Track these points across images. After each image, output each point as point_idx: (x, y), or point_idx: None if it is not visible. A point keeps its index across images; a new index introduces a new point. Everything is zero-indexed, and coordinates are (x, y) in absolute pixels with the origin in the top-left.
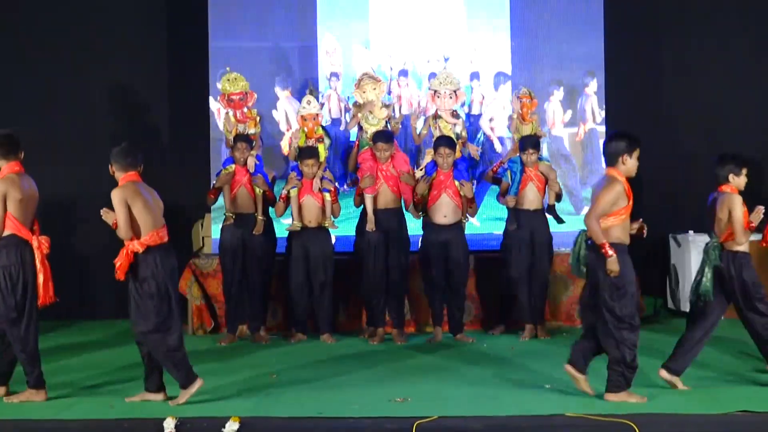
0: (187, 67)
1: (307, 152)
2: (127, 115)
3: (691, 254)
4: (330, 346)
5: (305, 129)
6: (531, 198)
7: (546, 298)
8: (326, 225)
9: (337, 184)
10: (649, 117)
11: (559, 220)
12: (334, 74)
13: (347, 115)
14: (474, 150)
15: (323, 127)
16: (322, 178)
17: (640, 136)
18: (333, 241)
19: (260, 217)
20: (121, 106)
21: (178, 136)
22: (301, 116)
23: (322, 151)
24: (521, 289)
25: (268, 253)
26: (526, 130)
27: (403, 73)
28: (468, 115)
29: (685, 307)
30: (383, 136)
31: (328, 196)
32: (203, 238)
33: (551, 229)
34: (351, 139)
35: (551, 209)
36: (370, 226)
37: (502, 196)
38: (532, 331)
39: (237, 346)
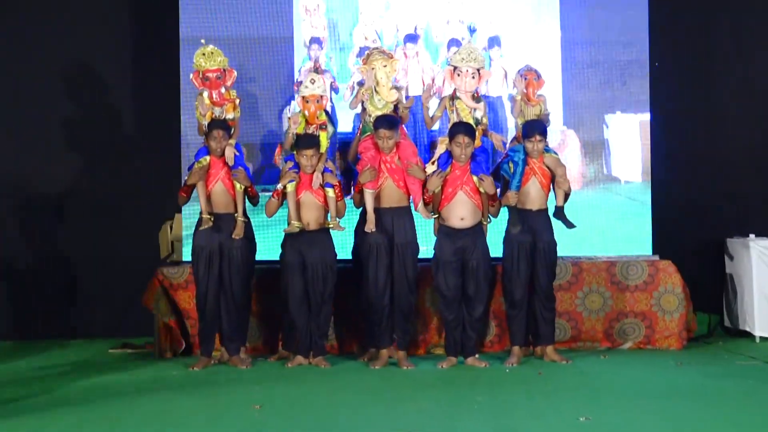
0: (154, 42)
1: (306, 141)
2: (84, 96)
3: (752, 262)
4: (324, 372)
5: (306, 113)
6: (533, 196)
7: (553, 313)
8: (330, 226)
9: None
10: (700, 107)
11: (569, 225)
12: (315, 40)
13: (333, 94)
14: (498, 140)
15: (327, 112)
16: (324, 171)
17: (689, 127)
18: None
19: (240, 219)
20: (77, 86)
21: (143, 121)
22: (302, 97)
23: (324, 140)
24: (515, 305)
25: (248, 261)
26: (532, 113)
27: (412, 38)
28: (486, 98)
29: (746, 325)
30: (386, 121)
31: (331, 192)
32: (172, 243)
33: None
34: (345, 132)
35: (559, 212)
36: (370, 226)
37: (501, 195)
38: (521, 355)
39: (213, 371)
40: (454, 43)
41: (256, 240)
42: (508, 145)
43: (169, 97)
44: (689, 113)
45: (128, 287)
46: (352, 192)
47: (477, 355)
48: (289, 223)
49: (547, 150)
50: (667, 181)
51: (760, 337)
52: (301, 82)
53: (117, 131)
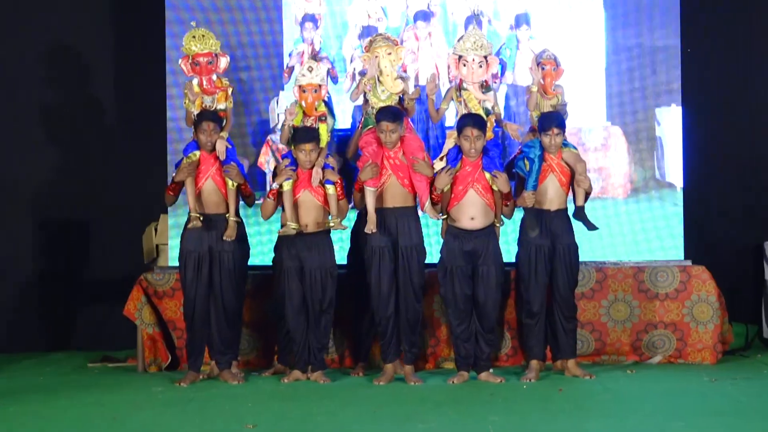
0: (138, 25)
1: (304, 134)
2: (61, 83)
3: None
4: (323, 388)
5: (303, 103)
6: (551, 195)
7: (574, 324)
8: (331, 226)
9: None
10: (734, 99)
11: (591, 226)
12: (310, 17)
13: (331, 84)
14: (514, 129)
15: (326, 103)
16: (324, 167)
17: (724, 120)
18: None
19: (232, 219)
20: (53, 72)
21: (126, 112)
22: (299, 86)
23: (324, 133)
24: (532, 315)
25: (241, 266)
26: (548, 105)
27: (424, 16)
28: (509, 86)
29: None
30: (389, 112)
31: (331, 190)
32: (157, 246)
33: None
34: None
35: (579, 212)
36: (371, 227)
37: (515, 195)
38: (539, 369)
39: (201, 387)
40: (471, 21)
41: (250, 243)
42: (524, 138)
43: (154, 85)
44: (723, 105)
45: (109, 295)
46: (353, 191)
47: (491, 370)
48: (283, 225)
49: (565, 144)
50: (701, 179)
51: None
52: (292, 68)
53: (96, 122)
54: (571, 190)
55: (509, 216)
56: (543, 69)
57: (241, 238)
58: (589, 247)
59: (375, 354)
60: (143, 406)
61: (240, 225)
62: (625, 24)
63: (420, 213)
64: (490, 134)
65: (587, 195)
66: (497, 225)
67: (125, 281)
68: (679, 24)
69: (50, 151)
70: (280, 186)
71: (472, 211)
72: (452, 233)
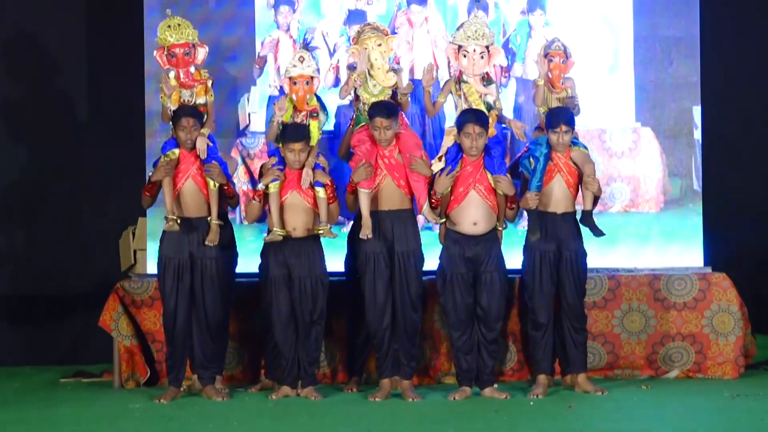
0: (113, 12)
1: (293, 132)
2: (29, 76)
3: None
4: (315, 405)
5: (294, 97)
6: (557, 196)
7: (584, 336)
8: (320, 232)
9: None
10: (757, 98)
11: (598, 232)
12: (287, 0)
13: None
14: (518, 127)
15: (318, 98)
16: (314, 168)
17: (741, 118)
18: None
19: (214, 222)
20: (22, 65)
21: (100, 108)
22: (289, 78)
23: (315, 130)
24: (539, 327)
25: (226, 274)
26: (556, 100)
27: None
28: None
29: None
30: (383, 108)
31: (322, 193)
32: (135, 252)
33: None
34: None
35: (586, 217)
36: (365, 231)
37: (520, 195)
38: (547, 385)
39: (183, 403)
40: (473, 5)
41: (238, 248)
42: (532, 136)
43: (130, 77)
44: (746, 105)
45: (83, 305)
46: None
47: (495, 385)
48: (269, 230)
49: (575, 143)
50: (721, 180)
51: None
52: (264, 59)
53: (67, 118)
54: (579, 192)
55: (512, 220)
56: (551, 61)
57: (227, 243)
58: (599, 254)
59: (371, 368)
60: (119, 424)
61: (227, 228)
62: (659, 9)
63: (418, 216)
64: (492, 131)
65: (596, 199)
66: (500, 229)
67: (101, 290)
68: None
69: (17, 150)
70: (266, 187)
71: (474, 215)
72: (452, 238)
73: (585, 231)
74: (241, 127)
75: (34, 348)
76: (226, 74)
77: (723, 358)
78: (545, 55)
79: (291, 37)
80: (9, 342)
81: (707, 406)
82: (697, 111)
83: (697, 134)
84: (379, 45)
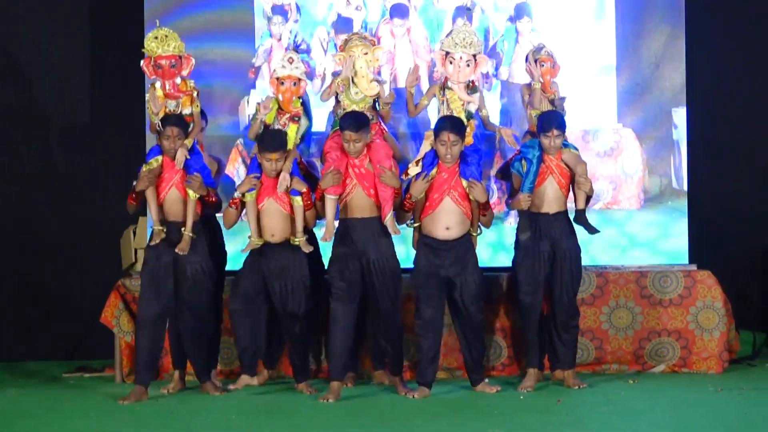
0: (116, 20)
1: (270, 141)
2: (32, 83)
3: None
4: (312, 399)
5: (281, 97)
6: (551, 197)
7: (575, 333)
8: (296, 242)
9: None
10: (742, 98)
11: (592, 230)
12: (278, 9)
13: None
14: (509, 134)
15: (304, 102)
16: (292, 174)
17: (729, 118)
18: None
19: (188, 233)
20: (24, 71)
21: (103, 113)
22: (276, 79)
23: (293, 135)
24: (530, 322)
25: (212, 276)
26: (547, 104)
27: (400, 11)
28: (503, 83)
29: None
30: (353, 120)
31: (299, 200)
32: (135, 251)
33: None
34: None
35: (580, 216)
36: (327, 236)
37: (511, 196)
38: (537, 378)
39: (184, 398)
40: (461, 13)
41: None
42: (522, 140)
43: (132, 81)
44: (730, 103)
45: (85, 302)
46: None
47: (486, 380)
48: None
49: (565, 145)
50: (706, 180)
51: None
52: (258, 69)
53: (71, 121)
54: (571, 192)
55: (487, 225)
56: (542, 66)
57: (215, 248)
58: (589, 253)
59: (365, 364)
60: (121, 419)
61: (216, 233)
62: (639, 15)
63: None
64: (469, 139)
65: (589, 198)
66: (474, 235)
67: (102, 287)
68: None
69: (20, 152)
70: (243, 195)
71: (447, 221)
72: (425, 243)
73: (579, 229)
74: (241, 129)
75: (37, 344)
76: (225, 78)
77: (708, 354)
78: (536, 61)
79: (283, 46)
80: (12, 338)
81: (692, 400)
82: (677, 112)
83: (677, 134)
84: (366, 54)
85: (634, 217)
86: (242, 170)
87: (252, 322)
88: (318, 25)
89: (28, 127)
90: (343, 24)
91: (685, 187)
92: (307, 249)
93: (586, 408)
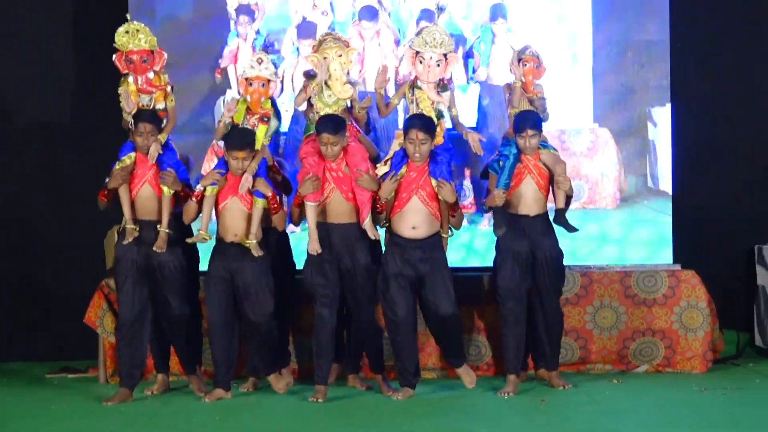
0: (101, 13)
1: (237, 140)
2: (15, 79)
3: None
4: (296, 399)
5: (249, 98)
6: (529, 199)
7: (559, 334)
8: (247, 244)
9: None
10: (726, 98)
11: (571, 229)
12: (244, 9)
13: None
14: (475, 140)
15: (273, 102)
16: (258, 176)
17: (713, 119)
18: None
19: (164, 230)
20: (5, 66)
21: (85, 108)
22: (246, 79)
23: (261, 135)
24: (510, 326)
25: (188, 274)
26: (526, 104)
27: (370, 14)
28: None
29: None
30: (330, 124)
31: (259, 204)
32: None
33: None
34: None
35: (560, 215)
36: (313, 246)
37: (485, 195)
38: (517, 383)
39: (168, 399)
40: (426, 16)
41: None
42: (500, 140)
43: (114, 76)
44: (713, 103)
45: (69, 302)
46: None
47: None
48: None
49: (543, 145)
50: (690, 180)
51: None
52: (225, 70)
53: (56, 117)
54: (551, 193)
55: (458, 227)
56: (525, 66)
57: (188, 246)
58: (572, 253)
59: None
60: (105, 420)
61: (188, 230)
62: (615, 16)
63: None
64: (439, 139)
65: (568, 198)
66: (444, 236)
67: (86, 288)
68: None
69: (3, 152)
70: (204, 189)
71: (414, 220)
72: (393, 242)
73: (559, 230)
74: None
75: (20, 344)
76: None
77: (691, 353)
78: (519, 61)
79: (250, 47)
80: None
81: (676, 400)
82: (654, 112)
83: (653, 134)
84: (340, 56)
85: (610, 216)
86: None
87: (229, 335)
88: (285, 27)
89: (13, 122)
90: (307, 28)
91: (661, 187)
92: (258, 253)
93: (571, 408)
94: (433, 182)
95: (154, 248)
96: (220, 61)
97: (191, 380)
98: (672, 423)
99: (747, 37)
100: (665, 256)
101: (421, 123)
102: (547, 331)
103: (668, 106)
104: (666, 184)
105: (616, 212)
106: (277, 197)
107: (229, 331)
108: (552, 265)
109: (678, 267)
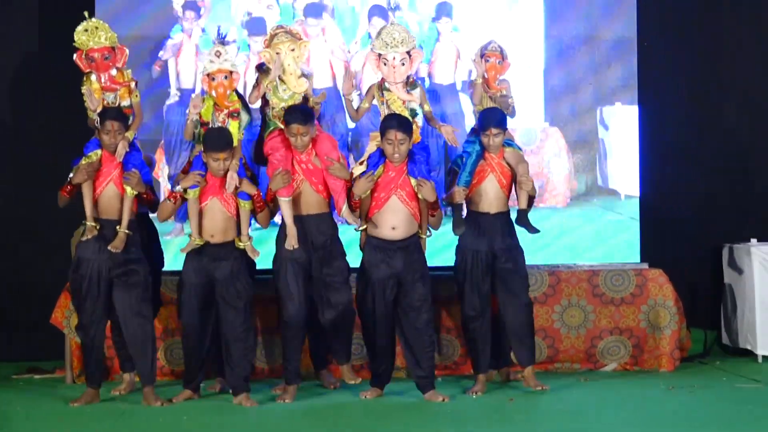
0: (68, 9)
1: (216, 141)
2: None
3: (753, 271)
4: (250, 411)
5: (214, 93)
6: (491, 197)
7: (529, 329)
8: (241, 245)
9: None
10: (692, 96)
11: (533, 230)
12: (191, 5)
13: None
14: (449, 132)
15: (239, 95)
16: (240, 176)
17: (680, 120)
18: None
19: (123, 230)
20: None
21: (49, 106)
22: (208, 75)
23: (235, 131)
24: (474, 325)
25: (154, 275)
26: (488, 101)
27: (315, 10)
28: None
29: (746, 342)
30: (299, 114)
31: (247, 206)
32: None
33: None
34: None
35: (522, 216)
36: (291, 241)
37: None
38: (485, 383)
39: (135, 399)
40: (377, 12)
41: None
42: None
43: (78, 74)
44: (680, 103)
45: (35, 302)
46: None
47: (436, 385)
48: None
49: (508, 143)
50: (658, 180)
51: (763, 357)
52: (165, 62)
53: (22, 115)
54: (514, 192)
55: (436, 227)
56: (487, 61)
57: (150, 248)
58: (541, 249)
59: (307, 364)
60: (72, 420)
61: (151, 232)
62: (567, 16)
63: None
64: (417, 137)
65: (531, 198)
66: (422, 236)
67: (53, 287)
68: (634, 16)
69: None
70: (185, 191)
71: (393, 220)
72: (372, 244)
73: (520, 230)
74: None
75: None
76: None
77: (659, 352)
78: (482, 56)
79: (194, 43)
80: None
81: (644, 398)
82: (606, 111)
83: (602, 133)
84: (293, 50)
85: (560, 214)
86: (167, 170)
87: (202, 337)
88: (229, 23)
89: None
90: (254, 24)
91: (611, 186)
92: (254, 254)
93: (539, 407)
94: (413, 181)
95: (109, 248)
96: (161, 53)
97: (145, 396)
98: (639, 421)
99: (711, 36)
100: (618, 254)
101: (399, 123)
102: (514, 329)
103: (618, 105)
104: (616, 182)
105: (566, 210)
106: (262, 195)
107: (201, 333)
108: (513, 265)
109: (645, 266)
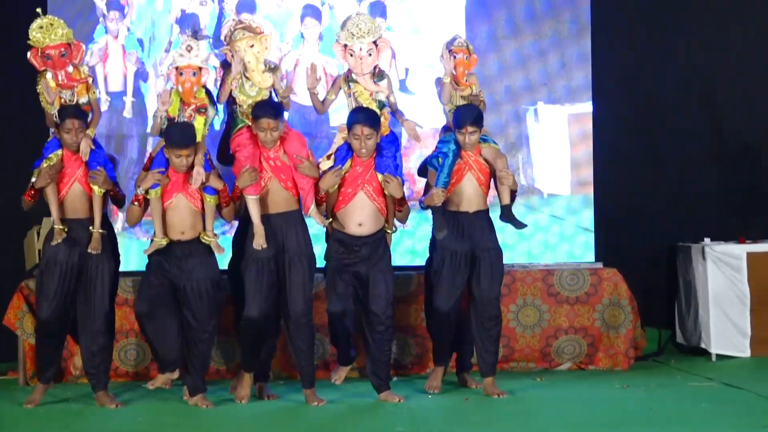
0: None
1: (178, 137)
2: None
3: (707, 270)
4: (205, 413)
5: (180, 89)
6: (470, 195)
7: (496, 335)
8: (206, 240)
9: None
10: (644, 94)
11: (519, 225)
12: (115, 4)
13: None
14: (411, 127)
15: (207, 90)
16: (206, 170)
17: (631, 118)
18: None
19: (97, 230)
20: None
21: (6, 105)
22: (176, 68)
23: (200, 127)
24: (446, 329)
25: (114, 276)
26: (459, 99)
27: (249, 7)
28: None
29: (701, 341)
30: (269, 108)
31: (212, 201)
32: (40, 251)
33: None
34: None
35: (506, 212)
36: (259, 241)
37: (424, 193)
38: (440, 377)
39: (90, 400)
40: (310, 12)
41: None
42: (440, 135)
43: (31, 69)
44: (632, 102)
45: None
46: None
47: (391, 385)
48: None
49: (484, 140)
50: (610, 179)
51: (717, 355)
52: (93, 68)
53: None
54: (494, 189)
55: (403, 221)
56: (455, 57)
57: (112, 247)
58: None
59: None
60: (25, 422)
61: (110, 232)
62: (487, 16)
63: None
64: (385, 129)
65: (513, 193)
66: (388, 232)
67: (6, 289)
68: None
69: None
70: (146, 192)
71: (360, 216)
72: (337, 238)
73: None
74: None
75: None
76: None
77: (614, 351)
78: (449, 52)
79: (120, 44)
80: None
81: (599, 397)
82: (530, 111)
83: (528, 130)
84: (252, 46)
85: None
86: None
87: (161, 324)
88: (157, 21)
89: None
90: (188, 20)
91: (536, 184)
92: (219, 250)
93: (494, 406)
94: (380, 177)
95: (89, 250)
96: (87, 59)
97: (99, 398)
98: (594, 420)
99: (661, 32)
100: (584, 246)
101: (365, 117)
102: (481, 333)
103: (540, 104)
104: (540, 182)
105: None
106: (228, 190)
107: (159, 317)
108: (492, 264)
109: (600, 265)
